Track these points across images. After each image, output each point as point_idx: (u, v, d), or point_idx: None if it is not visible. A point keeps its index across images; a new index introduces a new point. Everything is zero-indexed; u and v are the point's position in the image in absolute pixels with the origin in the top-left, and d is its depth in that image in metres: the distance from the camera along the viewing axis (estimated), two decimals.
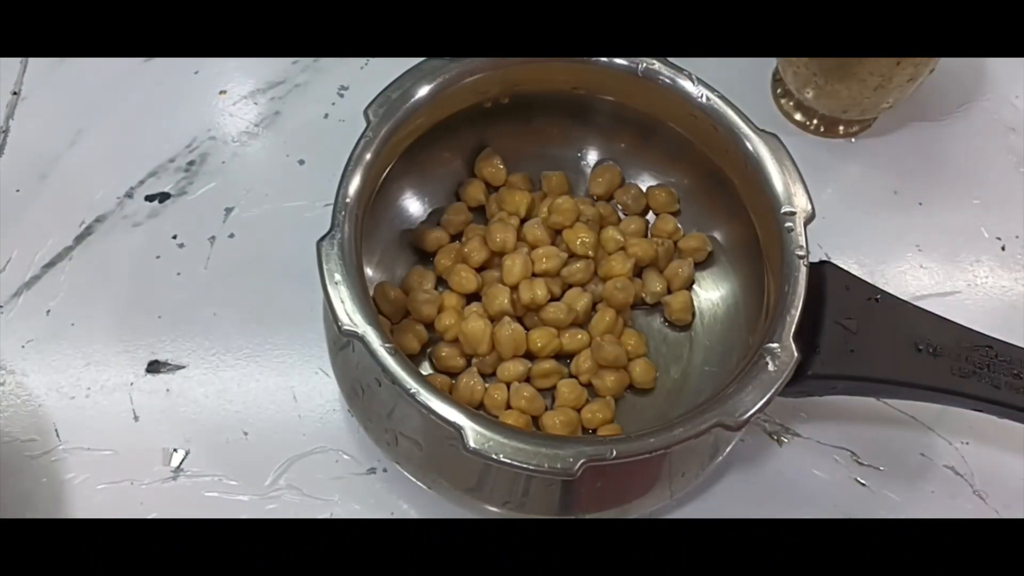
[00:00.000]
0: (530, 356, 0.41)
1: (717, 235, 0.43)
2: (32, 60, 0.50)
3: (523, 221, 0.43)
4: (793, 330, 0.35)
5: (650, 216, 0.45)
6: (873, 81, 0.45)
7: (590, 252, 0.42)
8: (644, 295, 0.42)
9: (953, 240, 0.49)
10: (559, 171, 0.44)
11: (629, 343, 0.41)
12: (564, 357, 0.42)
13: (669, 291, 0.43)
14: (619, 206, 0.44)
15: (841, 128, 0.50)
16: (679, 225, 0.44)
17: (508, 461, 0.32)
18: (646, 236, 0.44)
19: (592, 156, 0.45)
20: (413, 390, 0.33)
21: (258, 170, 0.48)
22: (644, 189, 0.44)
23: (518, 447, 0.32)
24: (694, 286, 0.43)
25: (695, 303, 0.43)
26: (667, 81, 0.40)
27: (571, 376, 0.41)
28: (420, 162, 0.42)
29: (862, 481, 0.43)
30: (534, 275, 0.41)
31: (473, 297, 0.42)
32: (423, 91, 0.38)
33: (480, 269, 0.42)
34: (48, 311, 0.44)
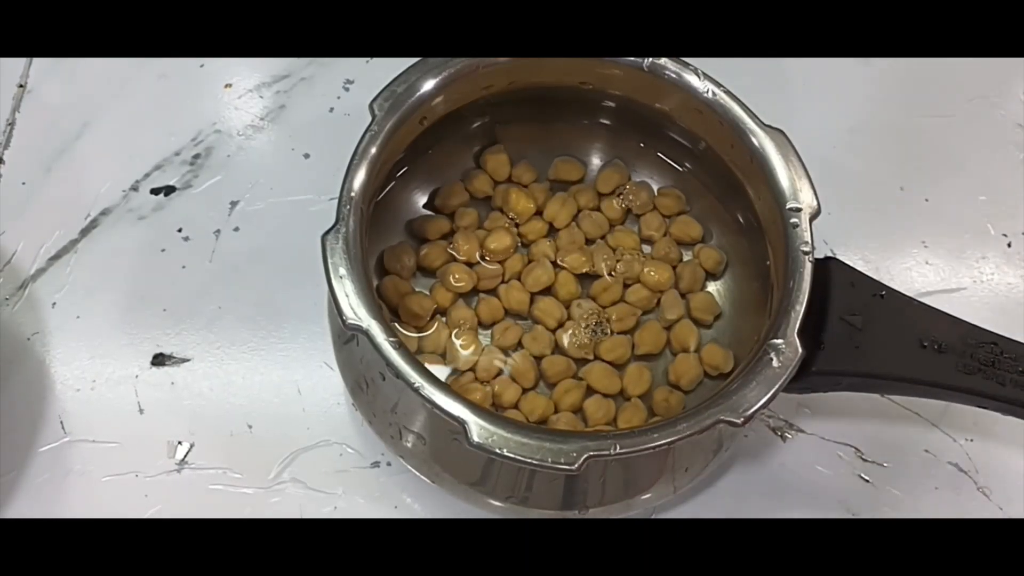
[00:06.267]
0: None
1: (722, 230, 0.43)
2: None
3: (529, 218, 0.43)
4: (798, 326, 0.35)
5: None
6: None
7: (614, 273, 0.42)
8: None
9: (959, 237, 0.49)
10: (569, 156, 0.44)
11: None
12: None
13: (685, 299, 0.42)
14: (626, 204, 0.44)
15: None
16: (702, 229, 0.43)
17: (511, 456, 0.32)
18: (666, 235, 0.43)
19: (599, 153, 0.45)
20: (417, 384, 0.33)
21: (263, 164, 0.48)
22: (654, 189, 0.44)
23: (521, 442, 0.32)
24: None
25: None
26: (673, 76, 0.40)
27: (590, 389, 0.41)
28: (425, 156, 0.42)
29: (866, 477, 0.43)
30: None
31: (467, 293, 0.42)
32: (429, 85, 0.38)
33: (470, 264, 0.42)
34: (54, 304, 0.44)
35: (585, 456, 0.32)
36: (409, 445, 0.38)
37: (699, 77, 0.39)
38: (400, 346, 0.34)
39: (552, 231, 0.43)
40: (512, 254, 0.42)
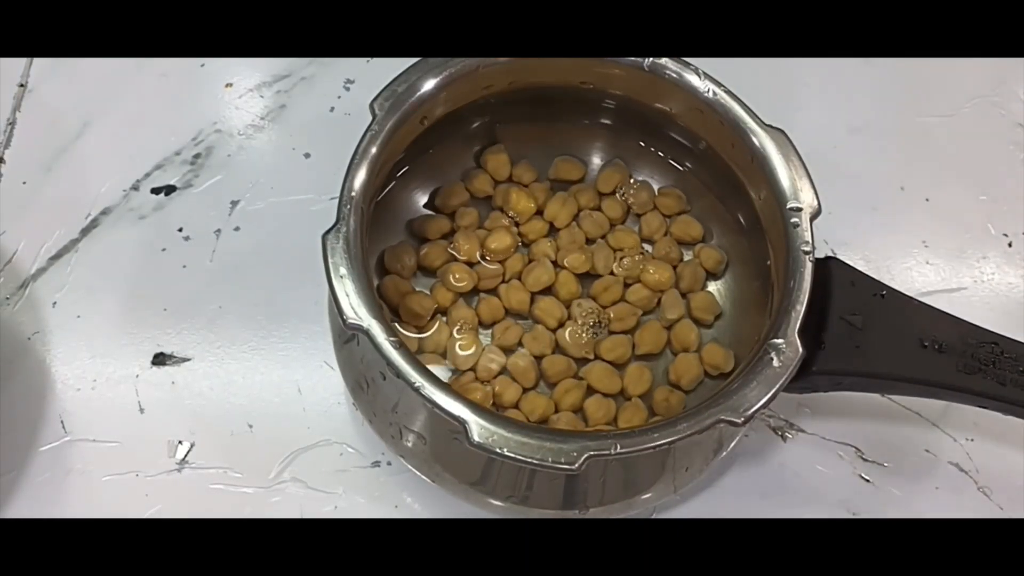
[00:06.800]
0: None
1: (722, 230, 0.43)
2: None
3: (533, 216, 0.43)
4: (798, 326, 0.35)
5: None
6: None
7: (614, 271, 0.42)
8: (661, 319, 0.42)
9: (959, 236, 0.49)
10: (570, 156, 0.44)
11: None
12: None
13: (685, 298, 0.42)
14: (627, 203, 0.44)
15: None
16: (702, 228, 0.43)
17: (512, 455, 0.32)
18: (666, 235, 0.43)
19: (599, 153, 0.45)
20: (418, 384, 0.33)
21: (264, 163, 0.48)
22: (655, 188, 0.44)
23: (522, 441, 0.32)
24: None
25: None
26: (673, 76, 0.40)
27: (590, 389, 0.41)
28: (426, 156, 0.42)
29: (866, 477, 0.43)
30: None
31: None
32: (429, 85, 0.38)
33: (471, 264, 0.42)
34: (54, 303, 0.44)
35: (585, 456, 0.32)
36: (409, 445, 0.38)
37: (700, 77, 0.39)
38: (400, 346, 0.34)
39: (553, 231, 0.43)
40: (512, 254, 0.42)
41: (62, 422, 0.42)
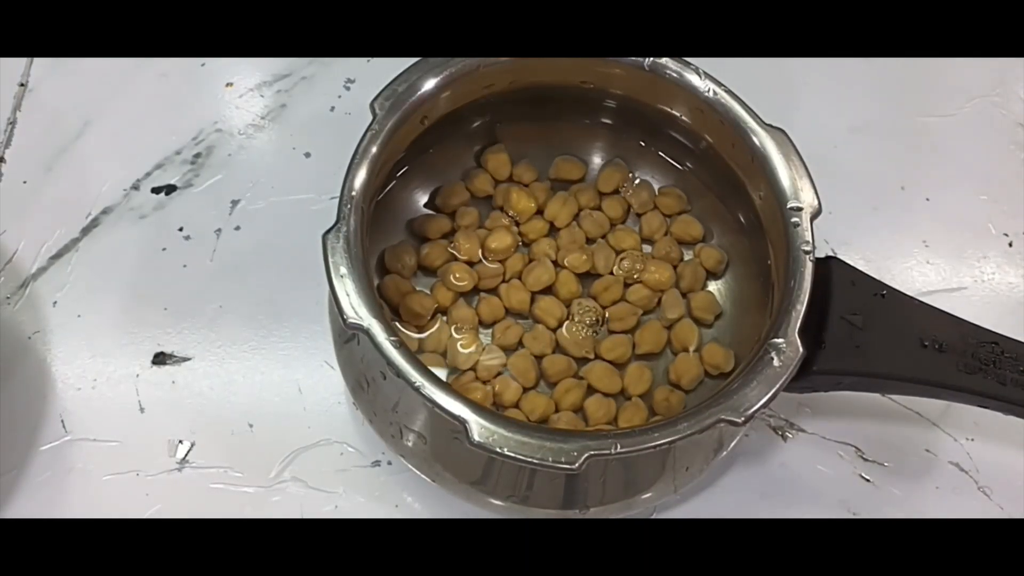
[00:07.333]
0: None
1: (723, 229, 0.43)
2: None
3: (533, 215, 0.43)
4: (799, 325, 0.35)
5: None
6: None
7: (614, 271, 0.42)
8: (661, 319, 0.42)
9: (960, 236, 0.49)
10: (570, 156, 0.44)
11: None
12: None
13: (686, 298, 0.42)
14: (627, 203, 0.44)
15: None
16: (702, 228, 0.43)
17: (512, 455, 0.32)
18: (667, 235, 0.43)
19: (599, 152, 0.45)
20: (418, 383, 0.33)
21: (264, 163, 0.48)
22: (655, 188, 0.44)
23: (522, 441, 0.32)
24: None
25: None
26: (674, 75, 0.40)
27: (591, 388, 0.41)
28: (426, 155, 0.42)
29: (866, 477, 0.43)
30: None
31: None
32: (429, 84, 0.38)
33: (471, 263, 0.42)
34: (55, 303, 0.44)
35: (586, 455, 0.32)
36: (410, 444, 0.38)
37: (700, 76, 0.40)
38: (401, 345, 0.34)
39: (553, 230, 0.43)
40: (513, 253, 0.42)
41: (62, 421, 0.42)
